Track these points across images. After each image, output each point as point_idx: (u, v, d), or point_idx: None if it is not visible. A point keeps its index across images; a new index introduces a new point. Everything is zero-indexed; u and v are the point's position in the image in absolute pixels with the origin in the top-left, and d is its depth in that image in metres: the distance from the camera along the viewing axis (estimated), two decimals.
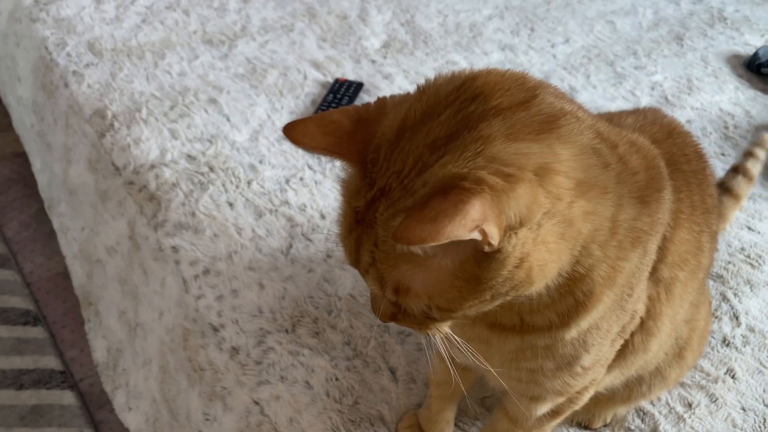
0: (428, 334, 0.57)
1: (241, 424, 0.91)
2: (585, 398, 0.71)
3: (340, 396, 0.88)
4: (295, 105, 1.37)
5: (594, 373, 0.66)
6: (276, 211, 1.12)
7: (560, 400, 0.69)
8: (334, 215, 1.08)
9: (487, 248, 0.47)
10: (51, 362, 1.76)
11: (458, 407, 0.87)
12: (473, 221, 0.43)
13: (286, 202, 1.14)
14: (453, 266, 0.49)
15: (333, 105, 1.36)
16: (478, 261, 0.48)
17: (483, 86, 0.51)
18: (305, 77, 1.44)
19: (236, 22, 1.61)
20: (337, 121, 0.54)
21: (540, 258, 0.49)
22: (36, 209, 1.95)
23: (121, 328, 1.25)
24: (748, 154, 1.17)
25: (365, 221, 0.50)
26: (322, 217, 1.11)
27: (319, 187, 1.16)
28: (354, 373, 0.90)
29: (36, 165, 1.71)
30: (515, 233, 0.47)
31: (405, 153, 0.49)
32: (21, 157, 2.00)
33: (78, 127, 1.39)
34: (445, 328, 0.57)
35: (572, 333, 0.58)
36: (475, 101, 0.50)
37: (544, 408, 0.69)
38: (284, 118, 1.32)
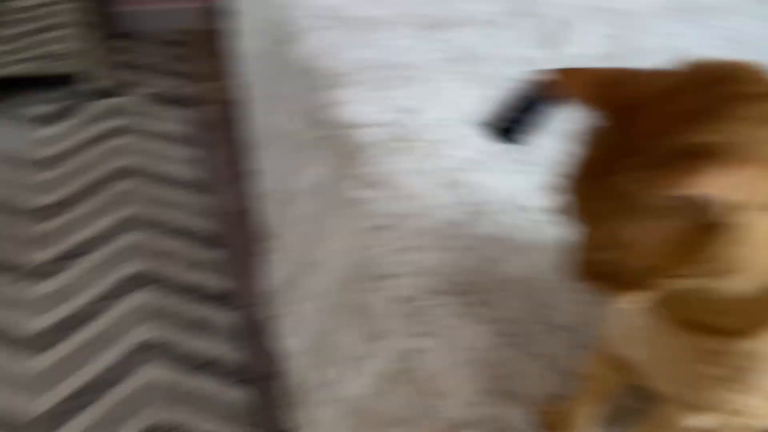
0: (620, 301, 0.60)
1: (387, 369, 0.97)
2: (738, 423, 0.68)
3: (490, 368, 0.91)
4: (496, 97, 1.41)
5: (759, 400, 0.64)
6: (465, 186, 1.17)
7: (713, 420, 0.67)
8: (523, 203, 1.12)
9: (719, 219, 0.49)
10: (223, 282, 1.96)
11: (604, 410, 0.86)
12: (715, 187, 0.47)
13: (478, 182, 1.18)
14: (679, 227, 0.51)
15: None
16: (706, 229, 0.50)
17: (738, 72, 0.54)
18: (513, 74, 1.48)
19: (463, 11, 1.67)
20: (605, 76, 0.59)
21: (764, 252, 0.51)
22: (241, 149, 2.18)
23: (297, 263, 1.37)
24: None
25: (599, 173, 0.55)
26: (511, 202, 1.13)
27: (511, 176, 1.19)
28: (512, 349, 0.92)
29: (250, 110, 1.90)
30: (752, 215, 0.49)
31: (655, 118, 0.53)
32: (240, 102, 2.24)
33: (297, 81, 1.54)
34: (643, 297, 0.59)
35: (754, 346, 0.58)
36: (730, 84, 0.53)
37: (694, 422, 0.68)
38: (485, 108, 1.36)
